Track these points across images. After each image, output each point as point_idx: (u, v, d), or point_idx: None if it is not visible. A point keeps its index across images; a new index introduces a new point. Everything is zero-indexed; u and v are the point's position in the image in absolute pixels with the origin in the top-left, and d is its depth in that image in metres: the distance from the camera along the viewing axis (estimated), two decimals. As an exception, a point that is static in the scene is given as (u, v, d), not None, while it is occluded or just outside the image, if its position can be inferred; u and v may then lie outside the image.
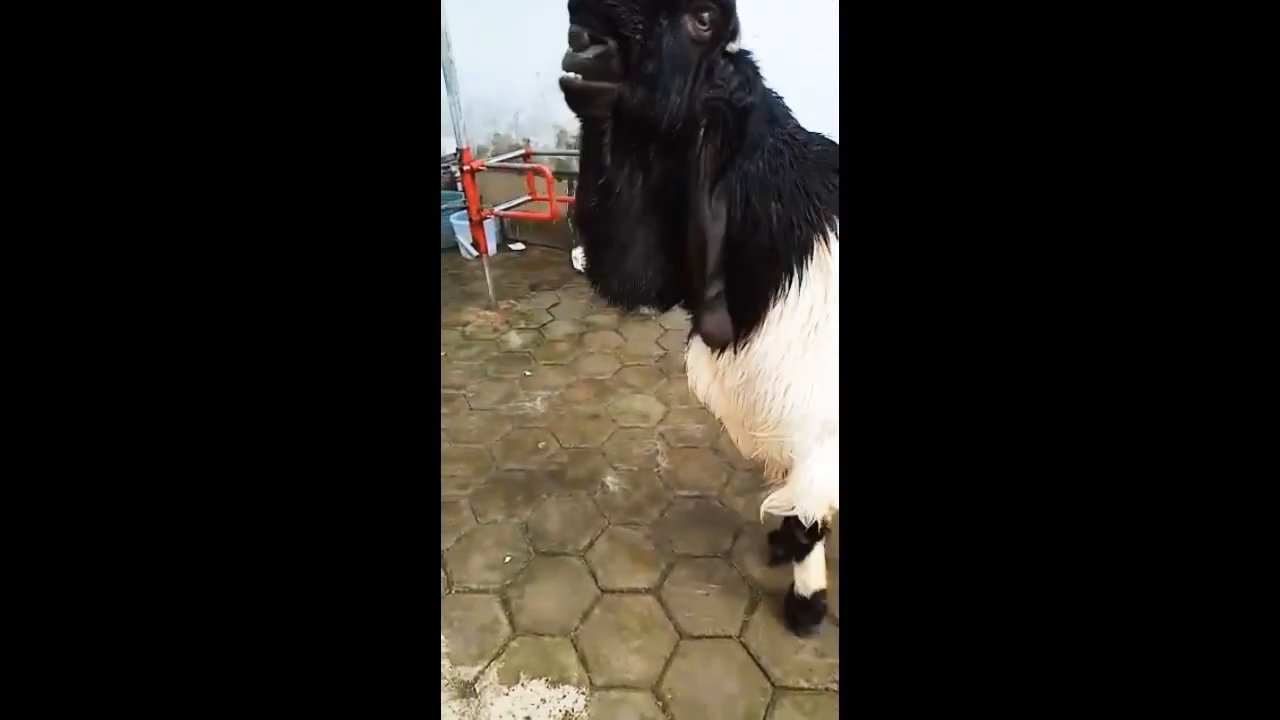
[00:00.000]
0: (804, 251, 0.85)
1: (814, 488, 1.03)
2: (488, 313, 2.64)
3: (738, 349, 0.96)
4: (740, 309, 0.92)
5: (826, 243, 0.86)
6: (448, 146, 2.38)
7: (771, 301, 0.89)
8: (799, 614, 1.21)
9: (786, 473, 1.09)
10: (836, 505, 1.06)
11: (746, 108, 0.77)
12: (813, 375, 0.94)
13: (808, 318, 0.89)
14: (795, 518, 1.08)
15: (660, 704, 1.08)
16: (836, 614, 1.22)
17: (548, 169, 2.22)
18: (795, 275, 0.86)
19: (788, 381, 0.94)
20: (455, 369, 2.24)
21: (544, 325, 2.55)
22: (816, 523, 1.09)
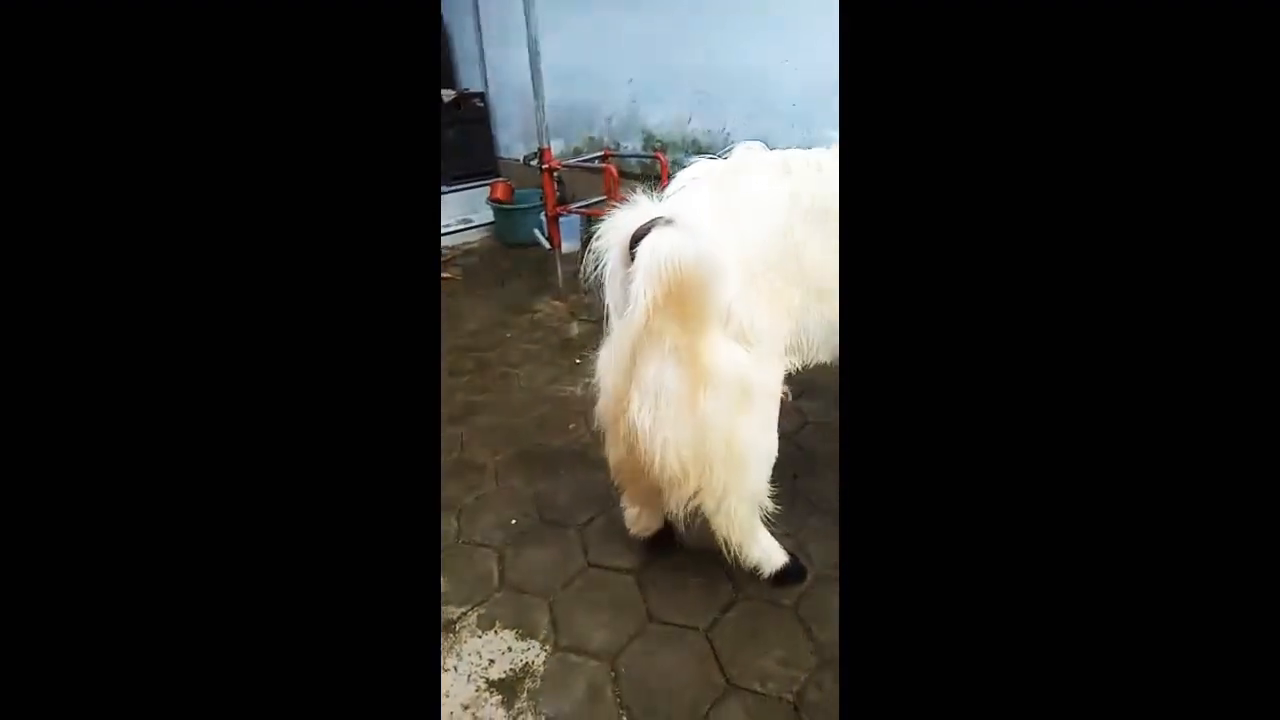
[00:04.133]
0: None
1: None
2: (556, 303, 2.81)
3: None
4: None
5: None
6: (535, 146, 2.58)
7: None
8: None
9: None
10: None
11: None
12: None
13: None
14: None
15: (612, 675, 1.12)
16: (811, 629, 1.18)
17: (614, 169, 2.33)
18: None
19: None
20: (515, 350, 2.43)
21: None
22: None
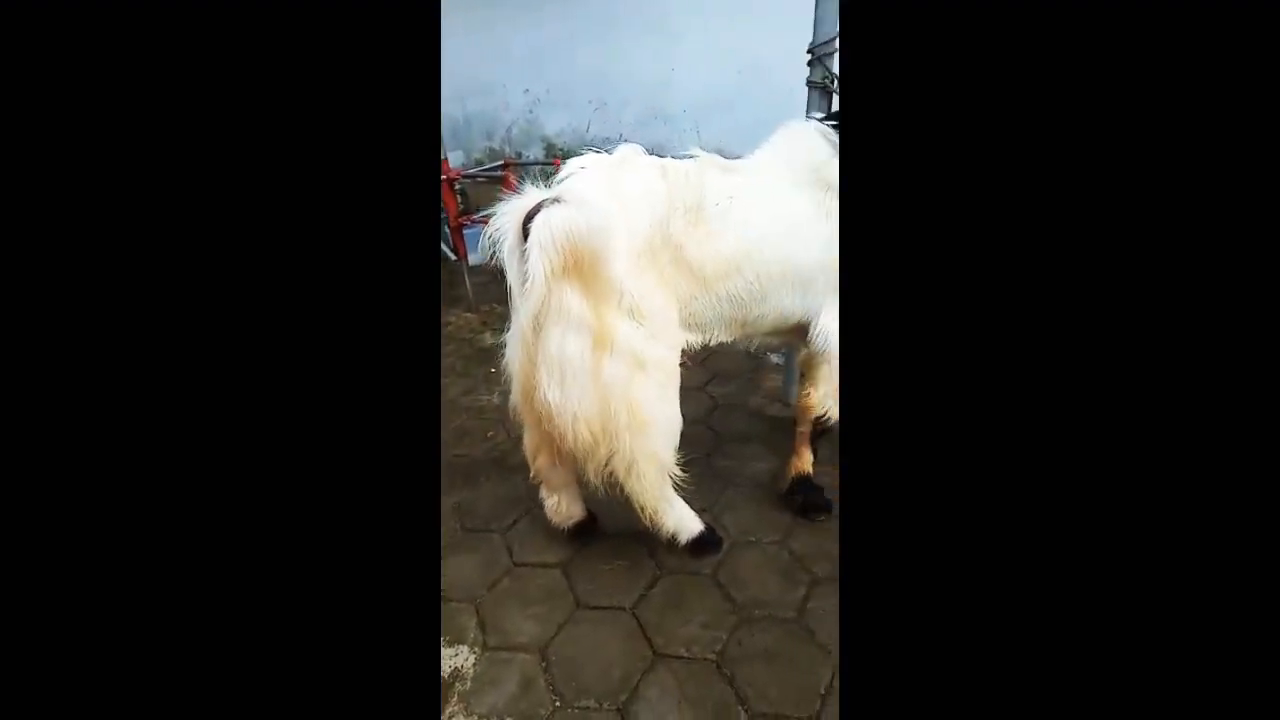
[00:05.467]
0: None
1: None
2: (468, 315, 2.77)
3: None
4: None
5: None
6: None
7: None
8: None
9: None
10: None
11: None
12: None
13: None
14: None
15: (543, 665, 1.14)
16: (730, 591, 1.25)
17: (513, 178, 2.35)
18: None
19: None
20: (428, 365, 2.37)
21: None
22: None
